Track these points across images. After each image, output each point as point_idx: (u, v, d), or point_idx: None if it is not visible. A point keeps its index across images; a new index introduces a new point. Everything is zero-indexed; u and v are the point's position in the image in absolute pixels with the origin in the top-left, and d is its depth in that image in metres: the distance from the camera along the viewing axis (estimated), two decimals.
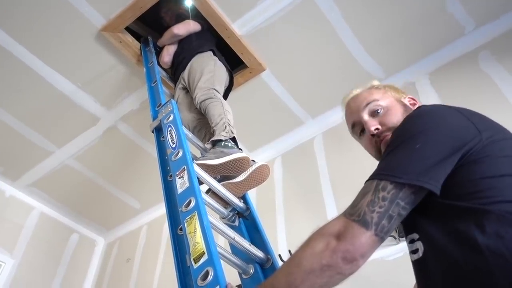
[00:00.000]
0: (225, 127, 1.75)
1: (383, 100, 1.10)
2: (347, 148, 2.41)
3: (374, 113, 1.09)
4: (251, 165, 1.68)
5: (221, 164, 1.58)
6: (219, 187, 1.54)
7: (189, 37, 2.37)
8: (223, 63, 2.25)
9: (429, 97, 2.22)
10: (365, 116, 1.10)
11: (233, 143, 1.72)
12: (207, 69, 2.11)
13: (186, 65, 2.21)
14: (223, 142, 1.68)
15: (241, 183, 1.62)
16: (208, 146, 1.74)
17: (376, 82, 1.20)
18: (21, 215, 3.14)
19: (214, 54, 2.26)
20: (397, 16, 2.23)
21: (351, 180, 2.08)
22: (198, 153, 1.91)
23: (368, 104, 1.11)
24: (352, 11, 2.22)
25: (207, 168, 1.54)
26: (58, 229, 3.33)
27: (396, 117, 1.05)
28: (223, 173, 1.61)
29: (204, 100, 1.93)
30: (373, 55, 2.39)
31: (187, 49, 2.30)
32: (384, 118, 1.07)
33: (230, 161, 1.59)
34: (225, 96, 2.29)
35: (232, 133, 1.76)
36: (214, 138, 1.72)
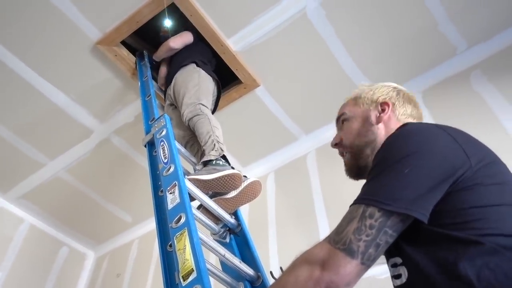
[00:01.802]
0: (214, 145, 1.73)
1: (351, 113, 1.13)
2: (340, 164, 2.39)
3: (341, 126, 1.15)
4: (243, 181, 1.67)
5: (213, 180, 1.57)
6: (210, 203, 1.53)
7: (179, 51, 2.37)
8: (208, 73, 2.21)
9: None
10: (337, 128, 1.18)
11: (224, 160, 1.70)
12: (192, 84, 2.08)
13: (171, 80, 2.19)
14: (214, 161, 1.67)
15: (233, 199, 1.61)
16: (199, 167, 1.71)
17: (360, 87, 1.19)
18: (10, 228, 3.09)
19: (198, 66, 2.22)
20: (390, 35, 2.26)
21: (343, 197, 2.07)
22: (191, 168, 1.91)
23: (339, 117, 1.17)
24: (346, 30, 2.25)
25: (199, 183, 1.53)
26: (48, 242, 3.29)
27: (351, 134, 1.10)
28: (215, 189, 1.60)
29: (191, 118, 1.91)
30: (366, 72, 2.42)
31: (173, 63, 2.30)
32: (342, 132, 1.13)
33: (222, 176, 1.58)
34: (215, 106, 2.28)
35: (222, 150, 1.73)
36: (204, 159, 1.70)
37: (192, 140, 2.03)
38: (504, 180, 0.83)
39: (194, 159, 1.88)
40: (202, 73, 2.19)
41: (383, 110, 1.09)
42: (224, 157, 1.73)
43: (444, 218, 0.77)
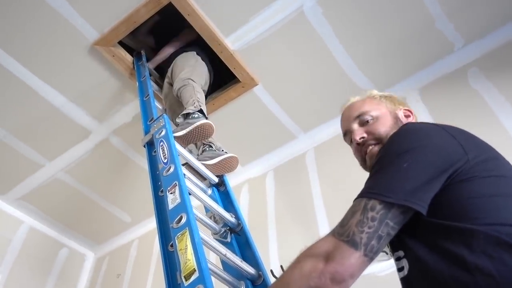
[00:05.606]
0: (194, 102, 1.91)
1: (375, 111, 1.13)
2: (339, 162, 2.42)
3: (363, 123, 1.12)
4: (221, 151, 1.92)
5: (186, 134, 1.76)
6: (209, 201, 1.54)
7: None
8: (205, 63, 2.41)
9: (420, 112, 2.24)
10: (355, 126, 1.14)
11: (201, 114, 1.86)
12: (188, 64, 2.29)
13: (172, 62, 2.39)
14: (191, 115, 1.84)
15: (212, 166, 1.81)
16: (179, 120, 1.88)
17: (374, 92, 1.23)
18: (10, 229, 3.08)
19: (197, 54, 2.42)
20: (388, 33, 2.27)
21: (343, 195, 2.07)
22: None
23: (359, 115, 1.14)
24: (344, 28, 2.25)
25: (177, 139, 1.71)
26: (47, 243, 3.28)
27: (384, 127, 1.08)
28: (192, 141, 1.83)
29: (179, 88, 2.08)
30: (364, 70, 2.42)
31: (175, 52, 2.49)
32: (371, 127, 1.10)
33: (194, 129, 1.77)
34: (207, 94, 2.43)
35: (200, 106, 1.90)
36: (184, 112, 1.87)
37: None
38: (502, 173, 0.86)
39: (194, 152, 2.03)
40: (200, 59, 2.40)
41: (407, 110, 1.17)
42: (201, 111, 1.89)
43: (442, 209, 0.80)
